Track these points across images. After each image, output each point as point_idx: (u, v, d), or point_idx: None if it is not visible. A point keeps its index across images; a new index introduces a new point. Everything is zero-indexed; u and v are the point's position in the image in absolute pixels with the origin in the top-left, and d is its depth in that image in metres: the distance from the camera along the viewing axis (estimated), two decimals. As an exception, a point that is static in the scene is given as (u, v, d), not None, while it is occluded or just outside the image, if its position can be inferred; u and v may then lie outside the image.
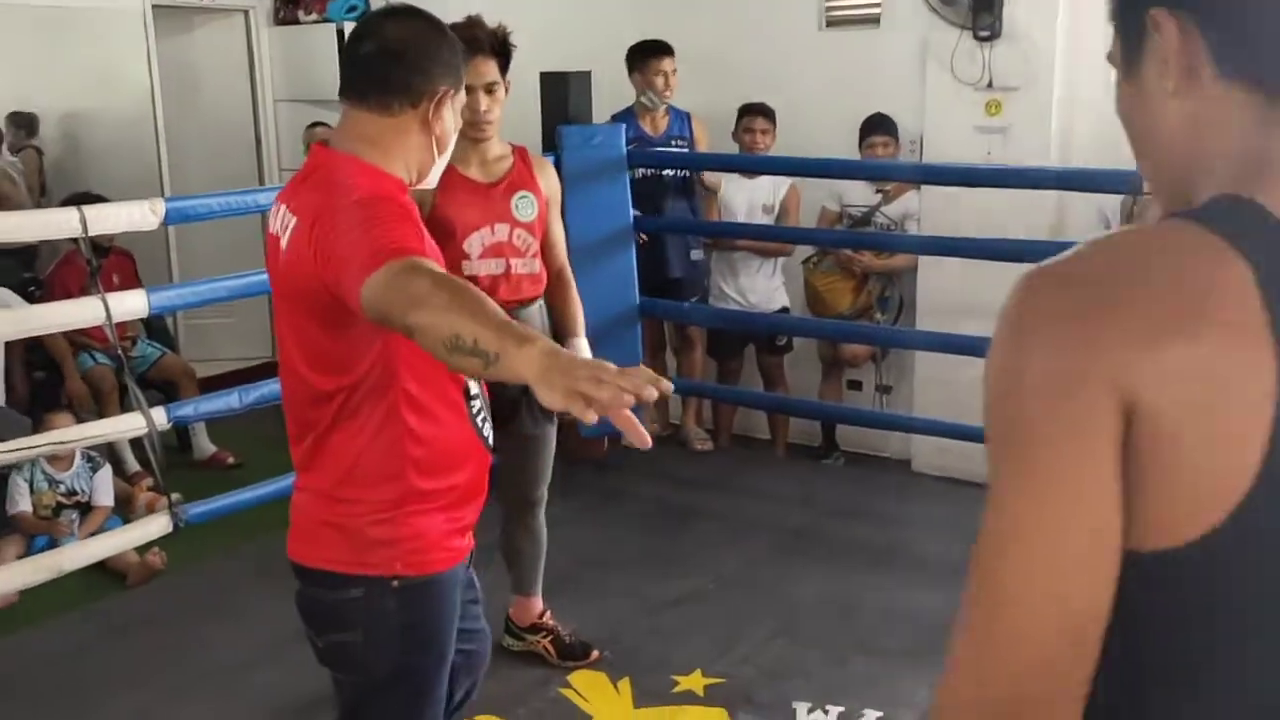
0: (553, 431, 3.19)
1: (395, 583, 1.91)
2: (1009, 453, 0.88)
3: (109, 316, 3.25)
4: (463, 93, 2.04)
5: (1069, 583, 0.84)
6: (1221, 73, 0.90)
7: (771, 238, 5.32)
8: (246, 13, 6.68)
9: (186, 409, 3.60)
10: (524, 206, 3.01)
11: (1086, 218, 4.76)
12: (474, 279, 2.85)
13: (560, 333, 3.09)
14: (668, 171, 5.23)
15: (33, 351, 5.44)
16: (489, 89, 2.84)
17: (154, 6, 6.30)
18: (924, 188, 5.15)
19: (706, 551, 4.13)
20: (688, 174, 5.31)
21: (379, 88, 1.89)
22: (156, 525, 3.60)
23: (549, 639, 3.35)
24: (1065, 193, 4.71)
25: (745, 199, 5.33)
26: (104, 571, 4.30)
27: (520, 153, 3.07)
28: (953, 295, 5.02)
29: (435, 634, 1.98)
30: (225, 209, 3.42)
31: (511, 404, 2.91)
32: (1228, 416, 0.81)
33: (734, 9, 5.69)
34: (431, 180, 2.04)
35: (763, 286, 5.35)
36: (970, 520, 3.40)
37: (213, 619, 3.66)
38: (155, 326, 5.87)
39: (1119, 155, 4.78)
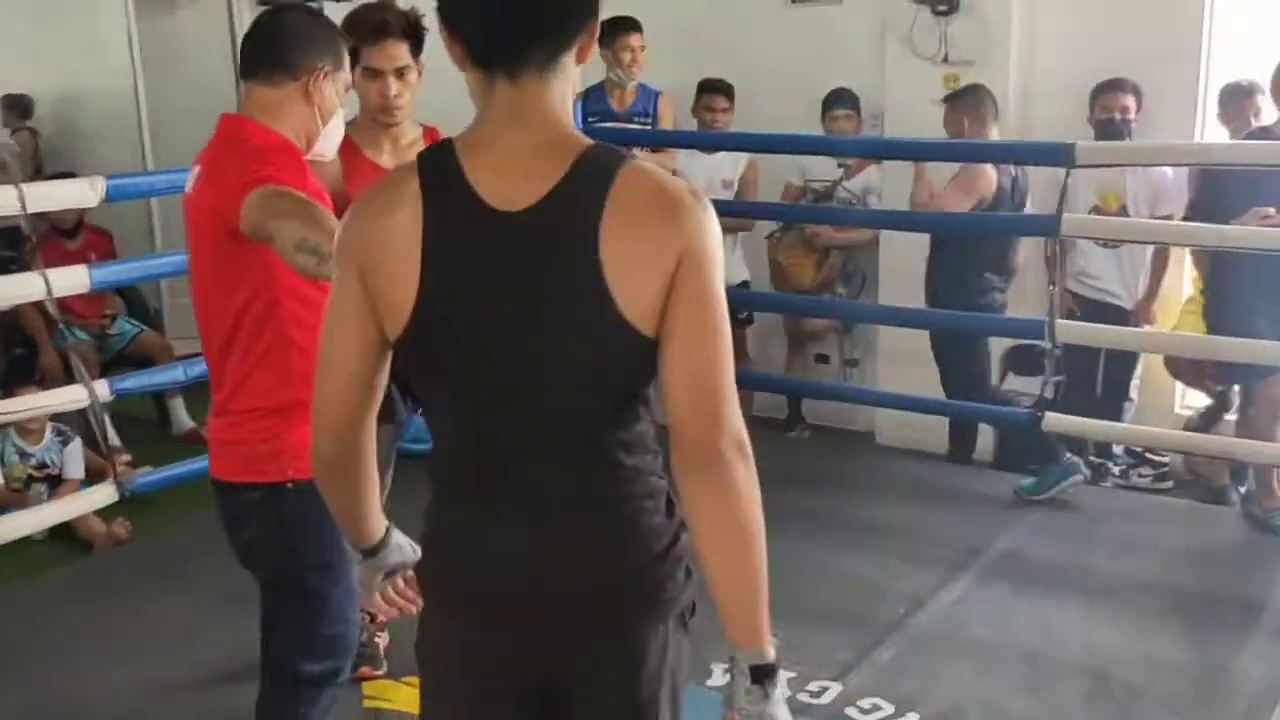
0: None
1: (289, 485, 2.13)
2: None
3: (49, 291, 3.36)
4: (344, 71, 2.25)
5: None
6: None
7: (733, 213, 5.37)
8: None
9: (128, 381, 3.72)
10: None
11: (1041, 189, 4.78)
12: None
13: None
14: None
15: (12, 329, 5.59)
16: (399, 73, 2.83)
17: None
18: (885, 162, 5.20)
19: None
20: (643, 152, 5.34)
21: (265, 65, 2.19)
22: (102, 494, 3.72)
23: None
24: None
25: (705, 174, 5.36)
26: (74, 541, 4.46)
27: (431, 134, 3.00)
28: (913, 269, 5.07)
29: (329, 529, 2.11)
30: (168, 186, 3.51)
31: None
32: (394, 261, 1.43)
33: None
34: (324, 151, 2.29)
35: (725, 262, 5.39)
36: (914, 488, 3.54)
37: (165, 583, 3.78)
38: (134, 304, 6.00)
39: (1079, 127, 4.86)
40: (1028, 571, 3.84)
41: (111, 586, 3.91)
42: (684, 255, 1.41)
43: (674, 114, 5.41)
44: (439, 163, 1.45)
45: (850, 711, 3.03)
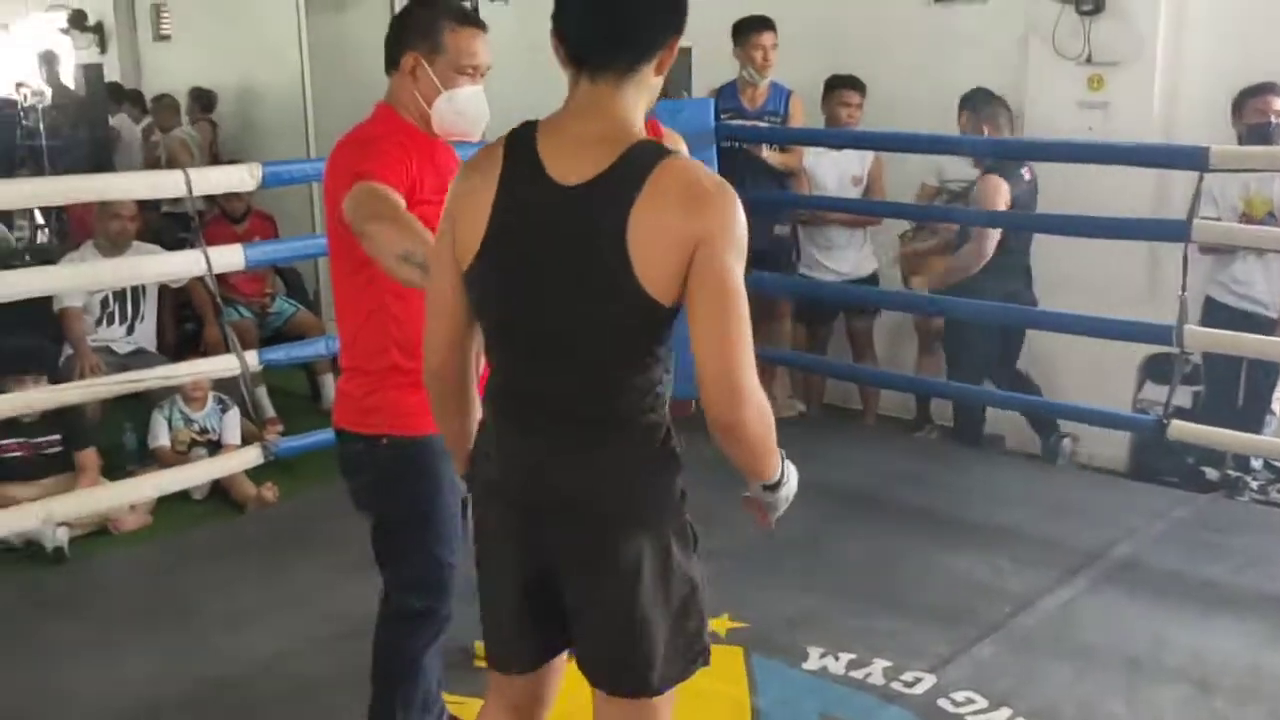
0: None
1: (384, 440, 2.36)
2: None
3: (209, 268, 3.66)
4: (442, 54, 2.40)
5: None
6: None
7: (862, 212, 5.40)
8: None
9: (277, 353, 4.00)
10: None
11: (1188, 192, 4.66)
12: None
13: None
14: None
15: (184, 306, 6.01)
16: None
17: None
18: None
19: (761, 510, 4.29)
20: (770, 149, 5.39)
21: (386, 57, 2.46)
22: (249, 455, 4.01)
23: None
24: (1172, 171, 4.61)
25: (835, 171, 5.43)
26: (228, 502, 4.80)
27: (652, 126, 3.02)
28: (1049, 271, 5.01)
29: (421, 485, 2.39)
30: (319, 173, 3.74)
31: None
32: (473, 212, 1.75)
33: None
34: (452, 129, 2.46)
35: (853, 256, 5.46)
36: (1039, 492, 3.54)
37: (305, 543, 4.05)
38: (294, 285, 6.38)
39: (1222, 130, 4.73)
40: (1144, 579, 3.77)
41: (256, 545, 4.22)
42: (701, 241, 1.66)
43: (805, 113, 5.45)
44: (522, 139, 1.76)
45: (942, 703, 3.05)
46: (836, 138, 5.32)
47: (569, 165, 1.70)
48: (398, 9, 6.86)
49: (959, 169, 5.32)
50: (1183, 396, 4.83)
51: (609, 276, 1.68)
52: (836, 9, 5.74)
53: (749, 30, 5.23)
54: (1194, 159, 3.87)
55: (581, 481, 1.79)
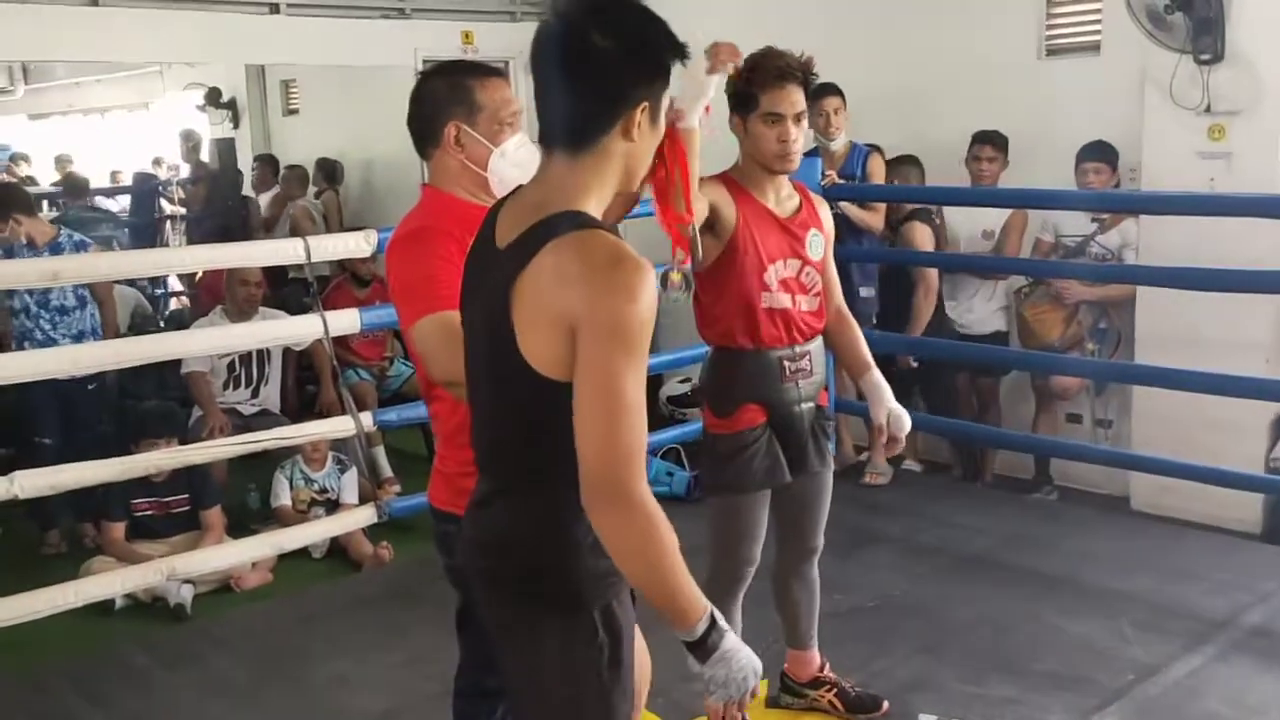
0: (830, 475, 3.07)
1: None
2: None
3: (326, 331, 3.79)
4: (479, 114, 2.28)
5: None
6: None
7: (978, 268, 5.34)
8: (507, 63, 7.32)
9: (390, 414, 4.11)
10: (816, 244, 2.90)
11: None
12: (773, 312, 2.83)
13: (853, 370, 3.01)
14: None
15: (308, 369, 6.22)
16: (797, 119, 2.77)
17: (424, 61, 7.02)
18: (1143, 216, 5.02)
19: (877, 572, 4.22)
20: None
21: (418, 140, 2.36)
22: (364, 514, 4.11)
23: (833, 693, 3.20)
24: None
25: (968, 224, 5.41)
26: (346, 560, 4.92)
27: (803, 189, 2.99)
28: (1174, 327, 4.86)
29: None
30: (430, 239, 3.86)
31: (799, 444, 2.91)
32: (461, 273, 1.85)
33: (957, 41, 5.74)
34: (499, 187, 2.27)
35: (980, 309, 5.42)
36: (1165, 556, 3.43)
37: (415, 603, 4.11)
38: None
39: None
40: (1277, 648, 3.59)
41: (370, 603, 4.30)
42: (578, 322, 1.59)
43: (885, 169, 5.45)
44: (498, 204, 1.83)
45: (1059, 773, 2.94)
46: (944, 196, 5.29)
47: (506, 230, 1.71)
48: (514, 77, 7.12)
49: (1075, 223, 5.22)
50: (1321, 456, 4.64)
51: (500, 344, 1.66)
52: (948, 66, 5.73)
53: (812, 98, 5.22)
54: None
55: (486, 540, 1.80)
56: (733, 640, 1.70)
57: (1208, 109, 4.72)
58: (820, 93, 5.10)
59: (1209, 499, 4.74)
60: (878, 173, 5.38)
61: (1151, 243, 4.97)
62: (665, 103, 1.74)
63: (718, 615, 1.70)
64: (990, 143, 5.29)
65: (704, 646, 1.67)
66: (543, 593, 1.75)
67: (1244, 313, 4.62)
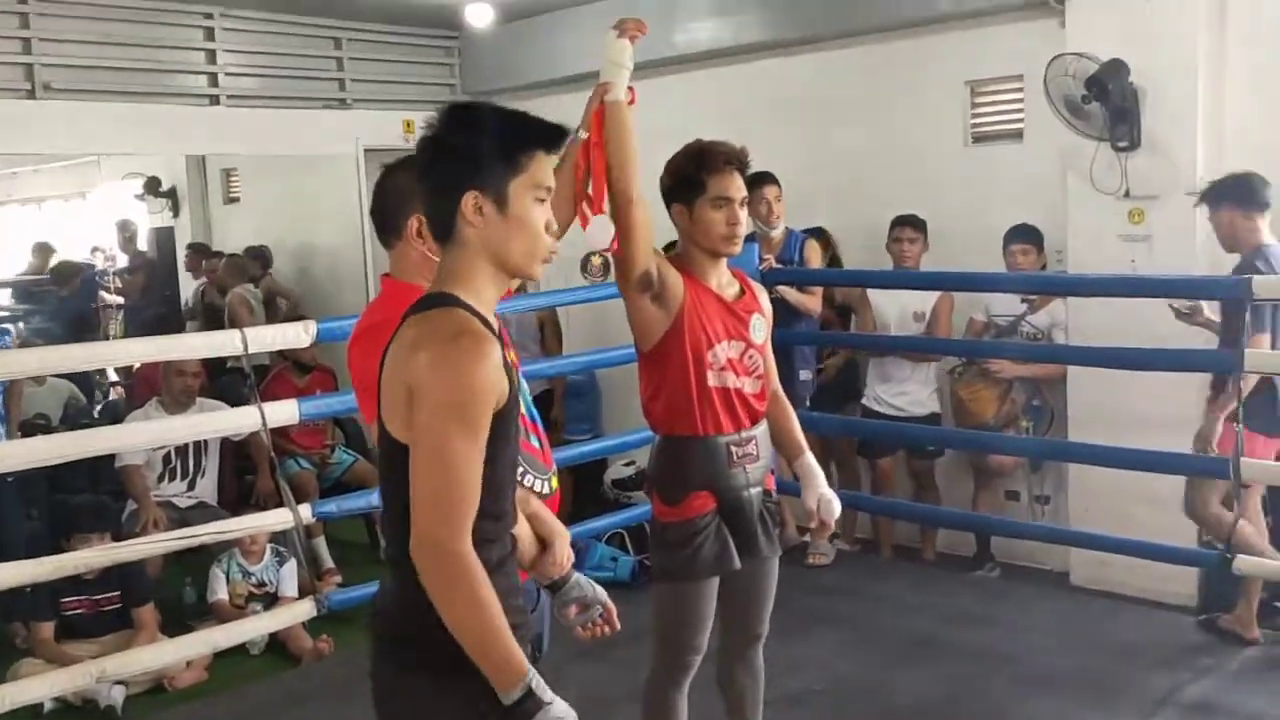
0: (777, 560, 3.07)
1: None
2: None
3: (264, 423, 3.76)
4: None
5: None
6: None
7: (913, 349, 5.43)
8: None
9: (330, 505, 4.07)
10: (758, 328, 2.96)
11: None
12: (720, 391, 2.86)
13: (787, 453, 3.05)
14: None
15: (247, 459, 6.14)
16: (741, 203, 2.87)
17: (365, 150, 7.09)
18: (1070, 297, 5.15)
19: (823, 654, 4.22)
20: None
21: (381, 231, 2.42)
22: (303, 609, 4.04)
23: None
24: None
25: (897, 307, 5.51)
26: (284, 655, 4.82)
27: (742, 276, 3.05)
28: (1104, 405, 4.97)
29: None
30: (371, 329, 3.87)
31: (748, 530, 2.92)
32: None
33: (888, 130, 5.92)
34: None
35: (915, 391, 5.49)
36: (1105, 632, 3.44)
37: (356, 697, 4.01)
38: (353, 436, 6.49)
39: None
40: (1218, 723, 3.64)
41: (309, 698, 4.21)
42: (411, 388, 1.76)
43: (821, 255, 5.58)
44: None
45: None
46: (881, 279, 5.41)
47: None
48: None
49: (1006, 304, 5.35)
50: (1253, 529, 4.73)
51: (379, 418, 1.85)
52: (881, 154, 5.89)
53: (752, 186, 5.33)
54: (1236, 289, 3.86)
55: (379, 607, 1.92)
56: (559, 710, 1.76)
57: (1127, 193, 4.90)
58: (759, 181, 5.19)
59: (1146, 573, 4.81)
60: (814, 258, 5.49)
61: (1079, 323, 5.11)
62: (522, 192, 1.84)
63: (536, 684, 1.76)
64: (910, 224, 5.44)
65: (518, 712, 1.74)
66: (419, 658, 1.81)
67: (1171, 390, 4.74)
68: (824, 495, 2.93)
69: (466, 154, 1.83)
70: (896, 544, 5.73)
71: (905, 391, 5.50)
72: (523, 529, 2.10)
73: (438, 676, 1.79)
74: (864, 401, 5.61)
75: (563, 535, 2.24)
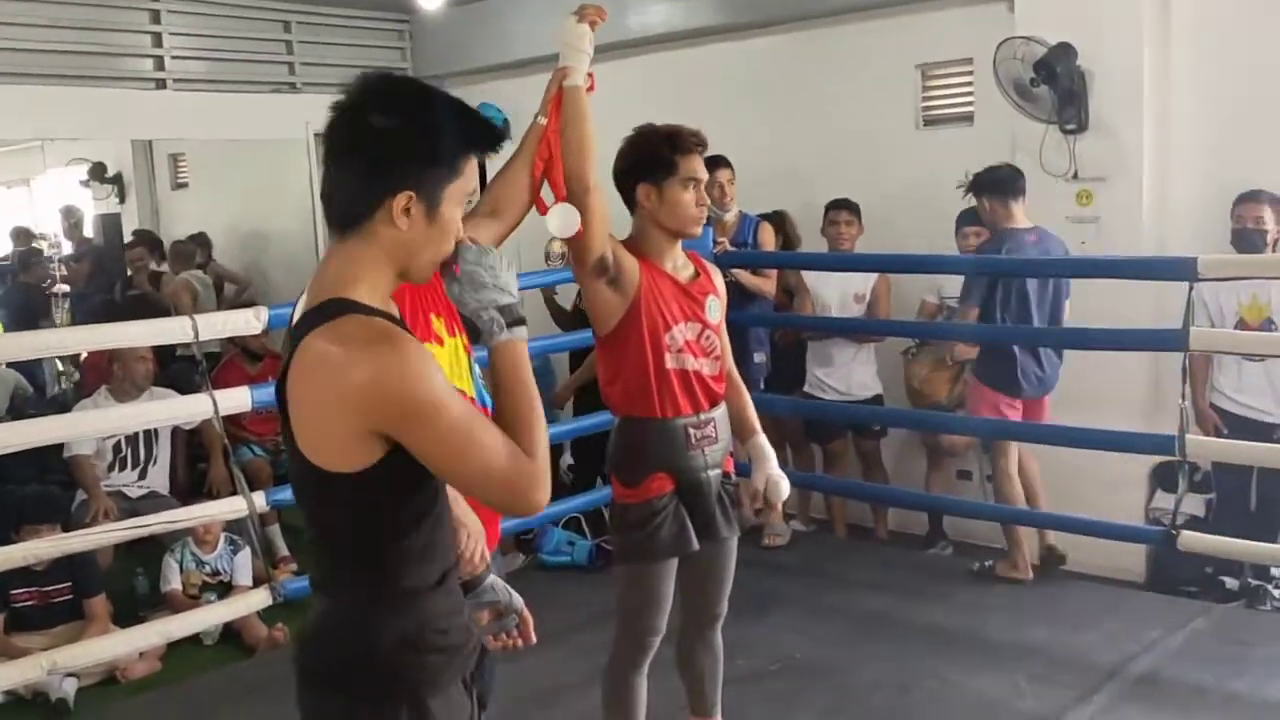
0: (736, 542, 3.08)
1: None
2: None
3: (216, 411, 3.72)
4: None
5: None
6: None
7: (866, 330, 5.46)
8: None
9: (285, 493, 4.02)
10: (714, 308, 2.97)
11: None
12: (678, 373, 2.86)
13: (740, 434, 3.05)
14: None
15: (200, 446, 6.08)
16: (705, 184, 2.91)
17: (315, 135, 7.00)
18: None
19: (779, 634, 4.25)
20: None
21: None
22: (258, 598, 4.01)
23: None
24: (1165, 281, 4.66)
25: (837, 290, 5.54)
26: (239, 645, 4.79)
27: (696, 258, 3.04)
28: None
29: None
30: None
31: (707, 512, 2.93)
32: None
33: (839, 114, 5.95)
34: None
35: (858, 374, 5.53)
36: (1054, 607, 3.48)
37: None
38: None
39: (1219, 240, 4.80)
40: (1165, 695, 3.70)
41: (263, 689, 4.16)
42: (369, 419, 1.56)
43: (776, 237, 5.60)
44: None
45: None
46: (835, 261, 5.43)
47: (298, 312, 1.69)
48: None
49: (958, 285, 5.39)
50: (1196, 505, 4.83)
51: (287, 431, 1.65)
52: (832, 137, 5.92)
53: (708, 169, 5.38)
54: (1183, 269, 3.93)
55: (301, 634, 1.79)
56: None
57: (1075, 175, 4.96)
58: (713, 164, 5.19)
59: (1095, 550, 4.89)
60: (768, 241, 5.51)
61: (1029, 304, 5.16)
62: (453, 198, 1.68)
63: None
64: (845, 208, 5.47)
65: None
66: (345, 685, 1.70)
67: (1118, 370, 4.82)
68: (772, 476, 2.94)
69: (411, 148, 1.63)
70: (850, 523, 5.79)
71: (847, 374, 5.52)
72: None
73: (356, 704, 1.70)
74: (805, 388, 5.62)
75: (472, 531, 2.17)
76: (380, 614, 1.67)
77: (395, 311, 1.73)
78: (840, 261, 5.48)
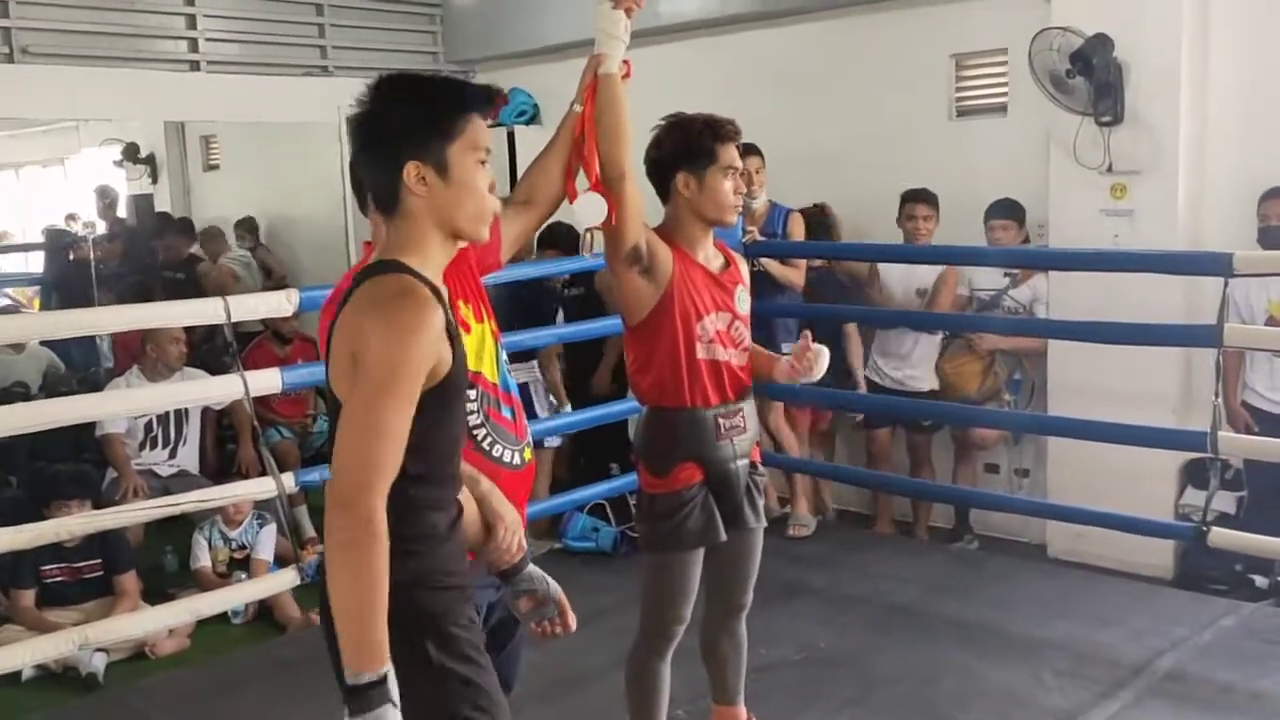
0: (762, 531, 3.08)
1: None
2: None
3: (247, 392, 3.75)
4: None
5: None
6: None
7: (890, 322, 5.45)
8: (430, 121, 7.36)
9: (313, 474, 4.06)
10: (743, 299, 2.97)
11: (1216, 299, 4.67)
12: (708, 364, 2.86)
13: (767, 369, 3.01)
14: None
15: (228, 428, 6.13)
16: (744, 174, 2.92)
17: (346, 118, 7.00)
18: (1051, 272, 5.17)
19: (803, 625, 4.25)
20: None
21: None
22: (286, 577, 4.04)
23: None
24: (1198, 277, 4.61)
25: (902, 283, 5.46)
26: (270, 622, 4.83)
27: (724, 248, 3.04)
28: (1084, 379, 5.01)
29: None
30: (354, 297, 3.85)
31: (735, 502, 2.93)
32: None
33: (871, 104, 5.91)
34: None
35: (915, 366, 5.43)
36: (1082, 603, 3.46)
37: (338, 667, 4.03)
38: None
39: (1253, 237, 4.75)
40: (1191, 693, 3.68)
41: (292, 667, 4.21)
42: (357, 350, 1.76)
43: (804, 228, 5.55)
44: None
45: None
46: (856, 252, 5.42)
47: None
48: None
49: (989, 278, 5.37)
50: (1227, 502, 4.79)
51: (328, 385, 1.85)
52: (865, 127, 5.89)
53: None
54: (1217, 264, 3.89)
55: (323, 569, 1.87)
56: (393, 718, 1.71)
57: (1109, 168, 4.91)
58: (744, 152, 5.17)
59: (1123, 546, 4.86)
60: (798, 232, 5.48)
61: (1061, 297, 5.13)
62: (461, 158, 1.86)
63: (392, 687, 1.71)
64: (924, 200, 5.30)
65: (361, 699, 1.70)
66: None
67: (1150, 365, 4.78)
68: (814, 345, 2.90)
69: (402, 126, 1.84)
70: (858, 511, 5.78)
71: (906, 366, 5.44)
72: (469, 511, 2.07)
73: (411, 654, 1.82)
74: (866, 373, 5.56)
75: (508, 522, 2.17)
76: (394, 554, 1.76)
77: (442, 287, 1.90)
78: (868, 253, 5.45)
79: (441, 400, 1.82)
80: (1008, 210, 5.20)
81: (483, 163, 1.89)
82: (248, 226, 8.78)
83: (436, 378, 1.80)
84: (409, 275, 1.82)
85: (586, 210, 2.62)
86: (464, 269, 2.31)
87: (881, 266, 5.53)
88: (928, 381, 5.46)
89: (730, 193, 2.86)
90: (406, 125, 1.84)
